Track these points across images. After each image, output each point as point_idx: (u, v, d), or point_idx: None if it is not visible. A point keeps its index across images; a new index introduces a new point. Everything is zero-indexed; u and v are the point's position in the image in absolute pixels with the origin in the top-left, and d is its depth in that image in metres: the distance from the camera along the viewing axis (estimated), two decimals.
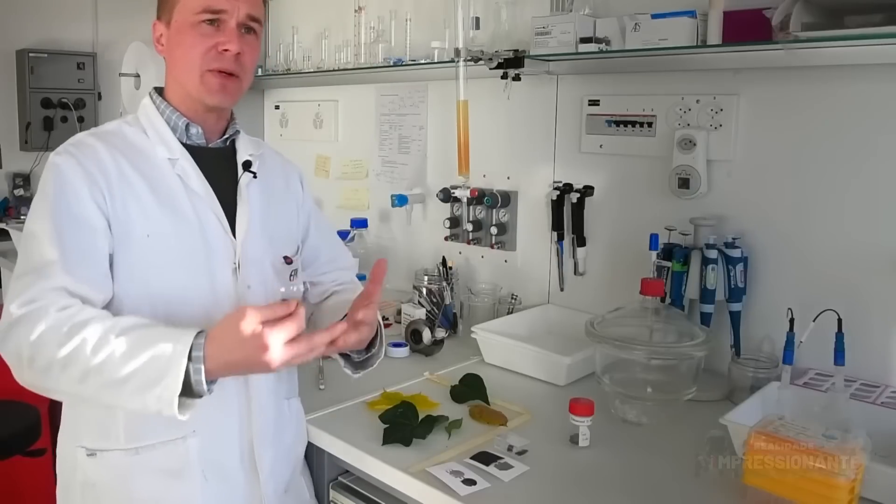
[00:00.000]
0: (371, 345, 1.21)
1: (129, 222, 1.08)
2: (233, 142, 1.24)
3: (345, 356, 1.25)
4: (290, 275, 1.25)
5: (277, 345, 0.91)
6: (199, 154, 1.17)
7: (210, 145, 1.20)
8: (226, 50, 1.12)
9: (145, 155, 1.14)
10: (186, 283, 1.11)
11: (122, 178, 1.09)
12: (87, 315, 0.98)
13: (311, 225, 1.36)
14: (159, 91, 1.20)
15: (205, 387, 0.94)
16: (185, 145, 1.17)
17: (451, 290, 1.95)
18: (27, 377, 0.98)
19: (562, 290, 1.91)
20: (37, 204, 1.08)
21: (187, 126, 1.17)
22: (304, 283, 1.33)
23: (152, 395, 0.93)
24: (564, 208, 1.85)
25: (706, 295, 1.51)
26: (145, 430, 1.10)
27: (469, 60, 1.77)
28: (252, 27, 1.16)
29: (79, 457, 1.12)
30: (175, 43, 1.14)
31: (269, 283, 1.21)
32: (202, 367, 0.93)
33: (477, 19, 1.89)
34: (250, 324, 0.91)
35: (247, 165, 1.21)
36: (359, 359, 1.24)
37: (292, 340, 0.93)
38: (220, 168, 1.20)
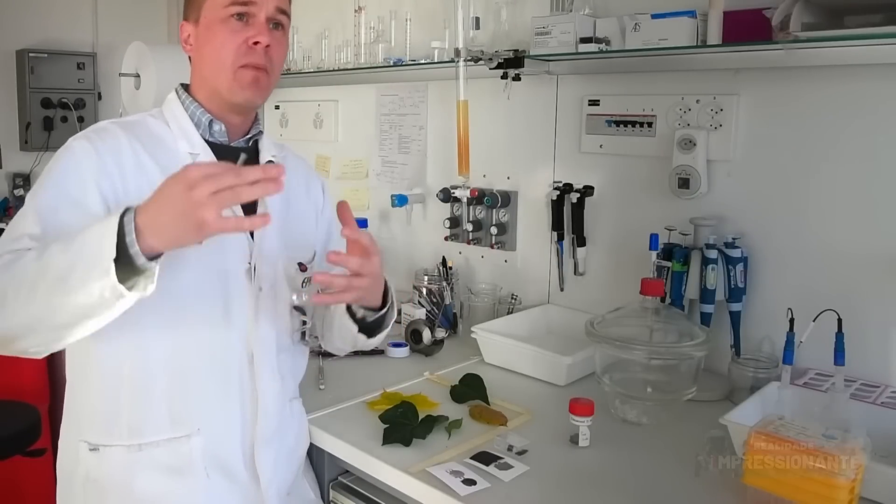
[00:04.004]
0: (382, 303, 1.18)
1: None
2: (256, 142, 1.24)
3: (353, 317, 1.20)
4: (304, 282, 1.24)
5: (198, 177, 0.83)
6: (221, 152, 1.17)
7: (232, 144, 1.20)
8: (256, 43, 1.11)
9: (166, 147, 1.14)
10: (199, 279, 1.10)
11: (139, 167, 1.09)
12: (33, 244, 0.96)
13: (331, 233, 1.35)
14: (185, 87, 1.20)
15: (137, 249, 0.86)
16: (207, 142, 1.17)
17: (451, 290, 1.95)
18: None
19: (562, 290, 1.91)
20: (40, 179, 1.07)
21: (211, 122, 1.17)
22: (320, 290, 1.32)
23: (95, 277, 0.86)
24: (564, 208, 1.85)
25: (706, 295, 1.51)
26: (149, 426, 1.10)
27: (469, 60, 1.77)
28: (280, 21, 1.16)
29: (81, 451, 1.12)
30: (204, 40, 1.14)
31: (280, 287, 1.20)
32: (134, 239, 0.86)
33: (477, 19, 1.89)
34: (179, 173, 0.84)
35: None
36: (370, 318, 1.20)
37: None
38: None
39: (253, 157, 1.22)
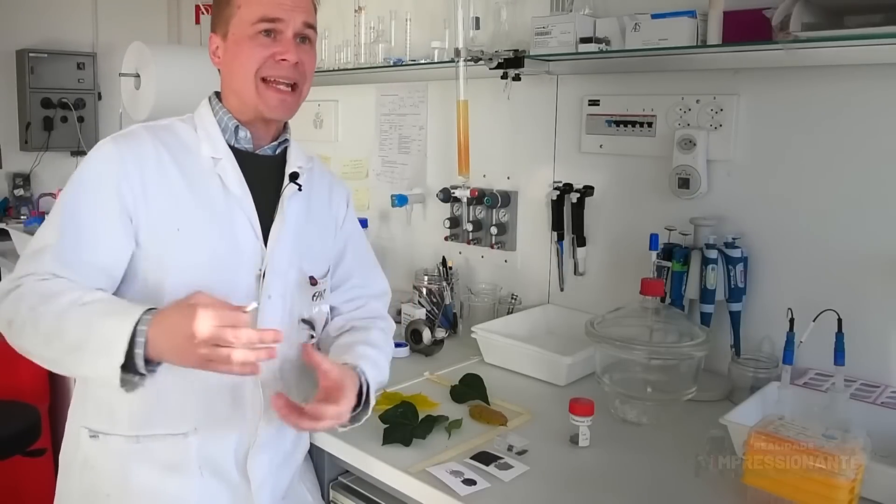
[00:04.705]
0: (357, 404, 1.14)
1: (161, 215, 1.10)
2: (284, 151, 1.24)
3: None
4: (314, 296, 1.25)
5: (204, 336, 0.90)
6: (246, 158, 1.18)
7: (258, 152, 1.21)
8: (283, 60, 1.13)
9: (190, 151, 1.16)
10: (209, 281, 1.10)
11: (161, 170, 1.12)
12: (63, 286, 1.03)
13: (347, 247, 1.35)
14: (218, 95, 1.22)
15: (142, 363, 0.95)
16: (233, 148, 1.18)
17: (451, 290, 1.95)
18: (12, 340, 1.04)
19: (562, 290, 1.91)
20: (68, 183, 1.12)
21: (236, 128, 1.18)
22: (330, 307, 1.31)
23: (101, 367, 0.96)
24: (564, 208, 1.85)
25: (706, 295, 1.51)
26: (148, 420, 1.12)
27: (469, 60, 1.77)
28: (307, 35, 1.17)
29: (82, 437, 1.14)
30: (232, 55, 1.16)
31: (290, 298, 1.20)
32: (142, 353, 0.94)
33: (477, 19, 1.89)
34: (200, 318, 0.91)
35: (293, 177, 1.21)
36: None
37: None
38: (266, 176, 1.21)
39: (279, 165, 1.23)
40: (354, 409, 1.13)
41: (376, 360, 1.23)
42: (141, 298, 1.08)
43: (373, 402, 1.18)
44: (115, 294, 1.10)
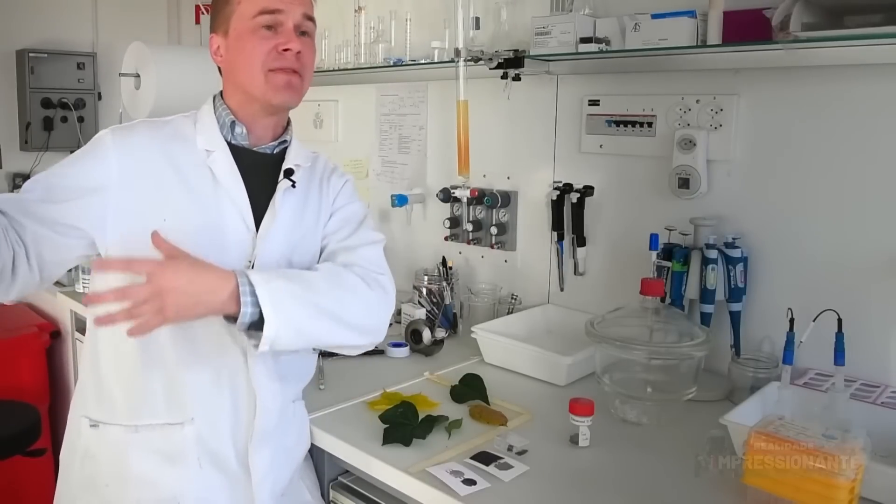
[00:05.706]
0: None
1: (148, 205, 1.11)
2: (284, 151, 1.25)
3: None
4: None
5: None
6: (242, 154, 1.19)
7: (256, 148, 1.21)
8: (286, 49, 1.14)
9: (185, 143, 1.17)
10: None
11: (153, 162, 1.13)
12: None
13: (332, 216, 1.29)
14: (222, 95, 1.23)
15: None
16: (231, 145, 1.18)
17: (451, 290, 1.95)
18: None
19: (562, 290, 1.91)
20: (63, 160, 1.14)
21: (232, 123, 1.19)
22: None
23: None
24: (564, 208, 1.85)
25: (706, 295, 1.51)
26: (146, 409, 1.14)
27: (469, 60, 1.77)
28: (307, 28, 1.18)
29: (83, 427, 1.16)
30: (236, 50, 1.16)
31: None
32: None
33: (477, 19, 1.89)
34: None
35: (288, 173, 1.21)
36: (241, 328, 1.06)
37: None
38: (263, 172, 1.21)
39: (278, 162, 1.23)
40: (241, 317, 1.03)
41: (281, 273, 1.12)
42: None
43: (271, 308, 1.03)
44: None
